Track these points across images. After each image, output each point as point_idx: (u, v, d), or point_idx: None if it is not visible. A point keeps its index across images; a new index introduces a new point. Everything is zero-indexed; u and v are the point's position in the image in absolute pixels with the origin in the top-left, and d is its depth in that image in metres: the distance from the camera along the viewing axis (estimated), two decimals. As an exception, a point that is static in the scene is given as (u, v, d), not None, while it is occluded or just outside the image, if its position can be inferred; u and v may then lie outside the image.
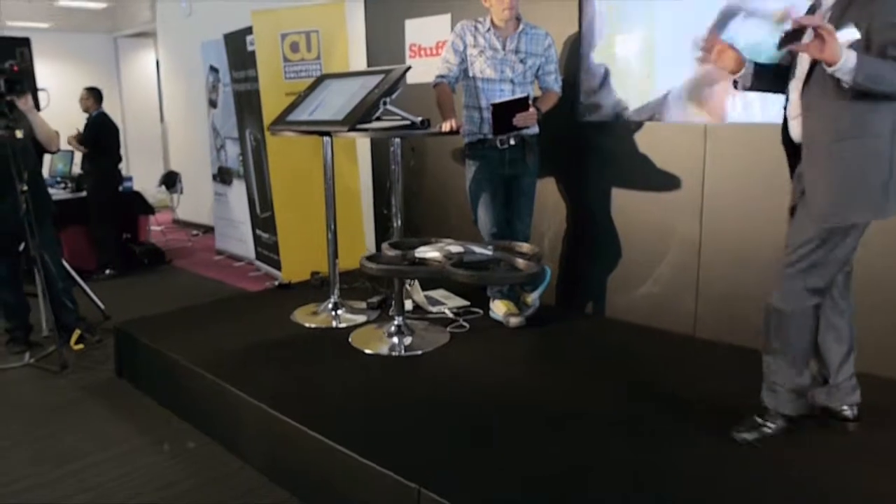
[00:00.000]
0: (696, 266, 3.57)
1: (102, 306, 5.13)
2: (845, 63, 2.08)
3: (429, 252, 3.30)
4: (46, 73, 10.43)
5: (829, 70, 2.11)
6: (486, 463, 2.40)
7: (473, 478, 2.30)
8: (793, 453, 2.38)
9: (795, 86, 2.36)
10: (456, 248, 3.30)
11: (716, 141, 3.45)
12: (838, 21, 2.16)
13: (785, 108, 2.45)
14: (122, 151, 6.74)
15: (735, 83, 2.51)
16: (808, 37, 2.25)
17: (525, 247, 3.42)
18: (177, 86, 9.22)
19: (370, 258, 3.38)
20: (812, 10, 2.36)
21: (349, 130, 3.29)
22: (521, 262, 3.18)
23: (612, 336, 3.70)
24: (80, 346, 4.44)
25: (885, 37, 2.09)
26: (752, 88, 2.51)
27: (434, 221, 4.76)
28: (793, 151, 2.43)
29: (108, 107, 6.53)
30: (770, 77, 2.47)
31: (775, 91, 2.50)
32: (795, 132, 2.38)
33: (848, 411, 2.53)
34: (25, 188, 4.01)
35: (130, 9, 9.46)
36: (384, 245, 3.47)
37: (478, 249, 3.32)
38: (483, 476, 2.31)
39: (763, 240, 3.28)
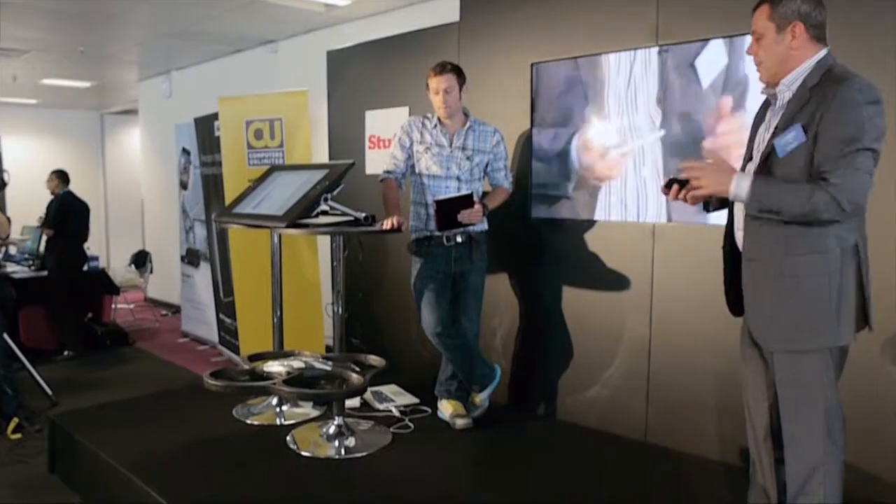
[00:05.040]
0: (647, 370, 3.46)
1: (50, 392, 4.98)
2: (736, 193, 2.08)
3: (274, 366, 3.38)
4: (32, 147, 10.62)
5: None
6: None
7: None
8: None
9: None
10: (298, 363, 3.42)
11: (664, 240, 3.40)
12: (791, 119, 2.09)
13: (730, 218, 2.34)
14: (102, 228, 6.71)
15: (706, 208, 2.40)
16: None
17: (372, 359, 3.57)
18: (154, 165, 9.28)
19: (214, 374, 3.36)
20: (766, 106, 2.30)
21: (288, 227, 3.23)
22: (354, 377, 3.27)
23: (562, 441, 3.56)
24: (18, 435, 4.28)
25: (824, 151, 1.99)
26: (721, 208, 2.40)
27: (395, 318, 4.68)
28: (735, 264, 2.31)
29: (92, 182, 6.51)
30: None
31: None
32: (742, 244, 2.26)
33: None
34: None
35: (117, 86, 9.61)
36: (245, 357, 3.59)
37: (318, 365, 3.44)
38: None
39: (713, 345, 3.19)
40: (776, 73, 2.17)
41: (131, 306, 8.38)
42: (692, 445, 3.30)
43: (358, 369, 3.44)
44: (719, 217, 2.43)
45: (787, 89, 2.15)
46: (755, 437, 2.38)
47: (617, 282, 3.56)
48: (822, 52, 2.13)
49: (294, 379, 3.28)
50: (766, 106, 2.32)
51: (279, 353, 3.77)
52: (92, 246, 7.15)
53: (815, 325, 2.08)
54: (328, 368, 3.43)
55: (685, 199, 2.27)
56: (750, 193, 2.07)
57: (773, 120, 2.19)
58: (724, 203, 2.37)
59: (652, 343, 3.45)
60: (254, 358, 3.64)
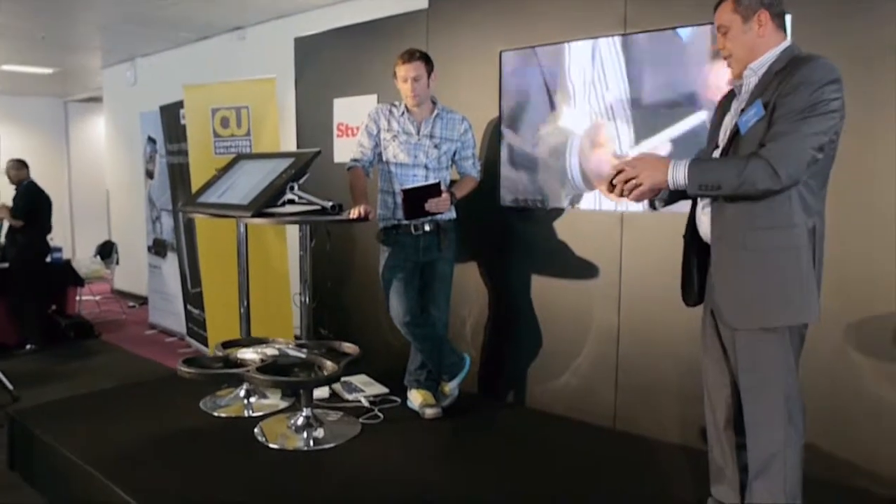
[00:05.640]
0: (615, 358, 3.48)
1: (11, 387, 4.87)
2: (674, 176, 2.08)
3: (248, 354, 3.34)
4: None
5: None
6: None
7: None
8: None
9: None
10: (272, 351, 3.37)
11: (632, 229, 3.41)
12: (755, 99, 2.11)
13: (694, 203, 2.35)
14: (67, 219, 6.58)
15: (653, 206, 2.41)
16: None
17: (346, 347, 3.50)
18: (119, 154, 9.11)
19: (187, 361, 3.31)
20: (730, 97, 2.32)
21: (253, 216, 3.18)
22: (328, 364, 3.21)
23: (531, 429, 3.57)
24: (-25, 432, 4.17)
25: (774, 122, 2.01)
26: (669, 203, 2.41)
27: (363, 308, 4.64)
28: (697, 251, 2.32)
29: (56, 172, 6.37)
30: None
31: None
32: (705, 227, 2.25)
33: None
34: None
35: (80, 73, 9.40)
36: (216, 345, 3.53)
37: (292, 352, 3.39)
38: None
39: (681, 333, 3.19)
40: (746, 64, 2.18)
41: (97, 298, 8.24)
42: (660, 431, 3.32)
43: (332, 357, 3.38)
44: (687, 205, 2.43)
45: (753, 74, 2.17)
46: (716, 424, 2.41)
47: (586, 270, 3.57)
48: (787, 42, 2.16)
49: (268, 367, 3.22)
50: (730, 97, 2.33)
51: (252, 340, 3.69)
52: (56, 237, 7.01)
53: (781, 300, 2.09)
54: (302, 356, 3.38)
55: (627, 197, 2.25)
56: (687, 174, 2.08)
57: (739, 107, 2.20)
58: (672, 199, 2.38)
59: (620, 331, 3.47)
60: (227, 345, 3.57)
